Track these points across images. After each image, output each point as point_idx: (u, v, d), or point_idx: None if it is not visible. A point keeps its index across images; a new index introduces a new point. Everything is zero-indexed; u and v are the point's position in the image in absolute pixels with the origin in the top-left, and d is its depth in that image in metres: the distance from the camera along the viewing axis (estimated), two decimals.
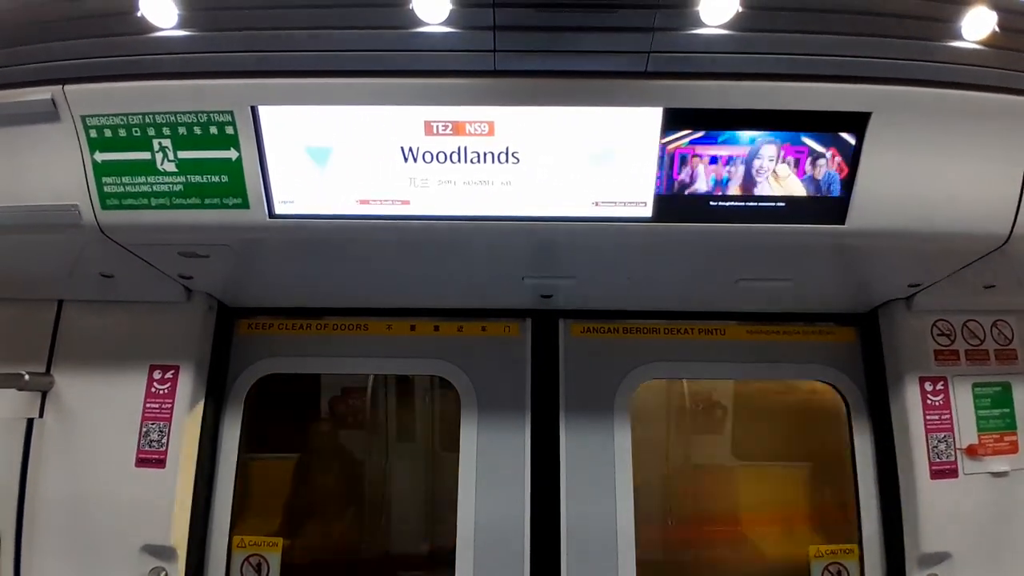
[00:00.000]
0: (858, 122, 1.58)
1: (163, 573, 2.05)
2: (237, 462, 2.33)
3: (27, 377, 2.08)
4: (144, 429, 2.13)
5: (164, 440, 2.13)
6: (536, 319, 2.43)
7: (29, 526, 2.05)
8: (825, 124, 1.59)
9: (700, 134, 1.60)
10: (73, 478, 2.09)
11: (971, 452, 2.12)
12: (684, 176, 1.64)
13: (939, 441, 2.13)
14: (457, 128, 1.59)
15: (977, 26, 1.46)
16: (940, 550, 2.07)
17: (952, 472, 2.11)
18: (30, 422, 2.13)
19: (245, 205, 1.66)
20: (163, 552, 2.06)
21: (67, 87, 1.59)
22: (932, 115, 1.57)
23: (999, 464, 2.13)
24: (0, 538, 2.05)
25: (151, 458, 2.11)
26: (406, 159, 1.62)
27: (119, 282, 2.09)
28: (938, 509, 2.09)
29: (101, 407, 2.15)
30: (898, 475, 2.18)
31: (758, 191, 1.65)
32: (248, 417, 2.39)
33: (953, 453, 2.13)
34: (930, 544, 2.08)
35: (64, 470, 2.10)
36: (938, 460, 2.12)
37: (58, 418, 2.14)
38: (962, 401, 2.17)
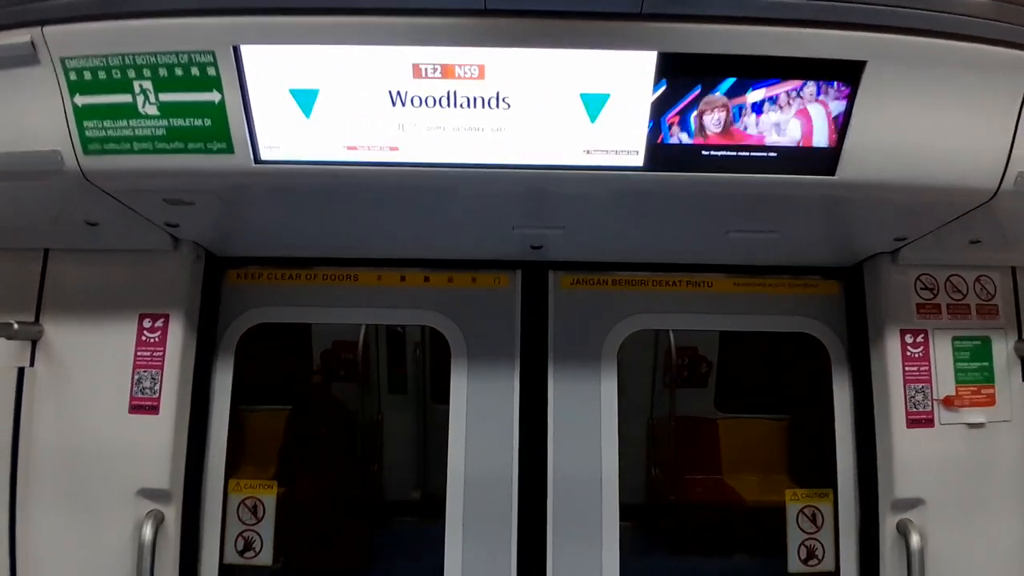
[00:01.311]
0: (853, 71, 1.55)
1: (160, 515, 2.09)
2: (232, 412, 2.36)
3: (16, 326, 2.07)
4: (136, 377, 2.15)
5: (156, 387, 2.14)
6: (526, 270, 2.44)
7: (24, 474, 2.08)
8: (820, 72, 1.57)
9: (694, 81, 1.57)
10: (66, 426, 2.11)
11: (948, 403, 2.18)
12: (676, 124, 1.62)
13: (916, 392, 2.19)
14: (446, 71, 1.55)
15: None
16: (913, 496, 2.15)
17: (928, 422, 2.18)
18: (21, 371, 2.14)
19: (229, 150, 1.63)
20: (159, 495, 2.10)
21: (46, 28, 1.53)
22: (927, 66, 1.55)
23: (975, 416, 2.19)
24: None
25: (144, 404, 2.13)
26: (394, 103, 1.58)
27: (105, 230, 2.07)
28: (913, 456, 2.16)
29: (92, 356, 2.16)
30: (875, 424, 2.24)
31: (750, 141, 1.64)
32: (241, 368, 2.41)
33: (930, 403, 2.18)
34: (904, 490, 2.15)
35: (57, 418, 2.11)
36: (915, 410, 2.18)
37: (49, 367, 2.15)
38: (941, 354, 2.22)
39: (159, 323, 2.18)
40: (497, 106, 1.59)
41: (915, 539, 2.08)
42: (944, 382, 2.20)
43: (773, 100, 1.60)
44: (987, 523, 2.15)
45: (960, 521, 2.14)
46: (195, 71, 1.55)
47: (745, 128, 1.63)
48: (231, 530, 2.34)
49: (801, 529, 2.37)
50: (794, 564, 2.36)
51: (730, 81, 1.57)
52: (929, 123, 1.61)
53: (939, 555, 2.11)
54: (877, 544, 2.20)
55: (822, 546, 2.36)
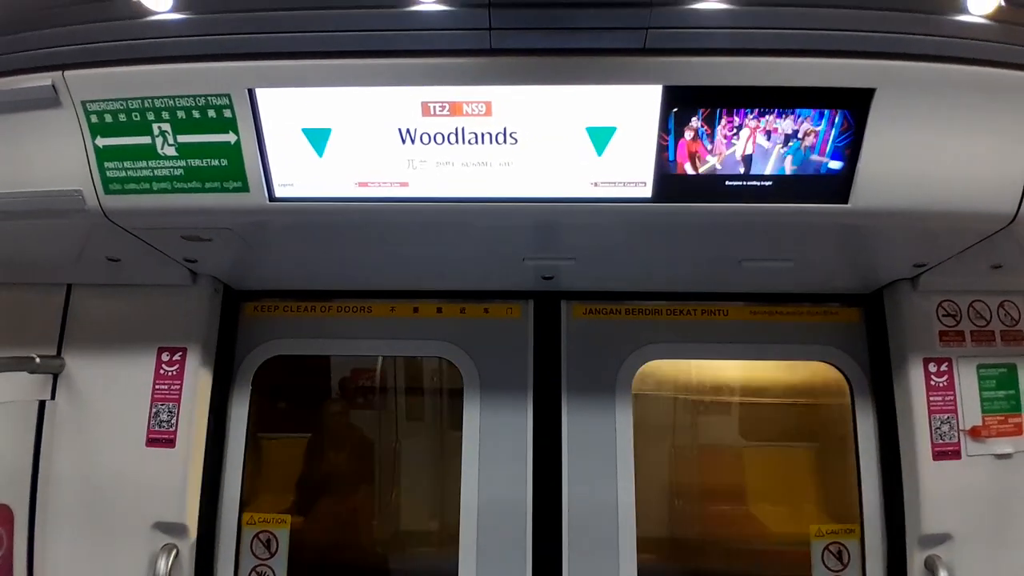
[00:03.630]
0: (862, 99, 1.55)
1: (174, 549, 2.09)
2: (250, 442, 2.38)
3: (38, 360, 2.13)
4: (154, 410, 2.18)
5: (173, 420, 2.17)
6: (538, 301, 2.43)
7: (42, 505, 2.11)
8: (828, 101, 1.56)
9: (700, 113, 1.58)
10: (85, 458, 2.14)
11: (975, 434, 2.11)
12: (684, 155, 1.63)
13: (942, 423, 2.12)
14: (454, 109, 1.58)
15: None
16: (941, 531, 2.07)
17: (955, 454, 2.10)
18: (42, 404, 2.18)
19: (245, 188, 1.67)
20: (174, 529, 2.11)
21: (67, 72, 1.59)
22: (937, 91, 1.53)
23: (1003, 446, 2.11)
24: (14, 517, 2.11)
25: (161, 438, 2.16)
26: (404, 141, 1.62)
27: (125, 266, 2.12)
28: (940, 490, 2.08)
29: (111, 389, 2.19)
30: (900, 456, 2.17)
31: (759, 170, 1.63)
32: (260, 398, 2.44)
33: (956, 435, 2.11)
34: (931, 525, 2.07)
35: (76, 450, 2.15)
36: (941, 441, 2.11)
37: (69, 400, 2.19)
38: (966, 382, 2.15)
39: (177, 356, 2.21)
40: (504, 141, 1.61)
41: None
42: (970, 412, 2.13)
43: (782, 130, 1.60)
44: (1017, 557, 2.06)
45: (989, 556, 2.06)
46: (212, 113, 1.60)
47: (754, 158, 1.63)
48: (244, 564, 2.33)
49: (827, 567, 2.29)
50: None
51: (737, 112, 1.58)
52: (942, 148, 1.59)
53: None
54: None
55: None
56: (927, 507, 2.07)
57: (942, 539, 2.07)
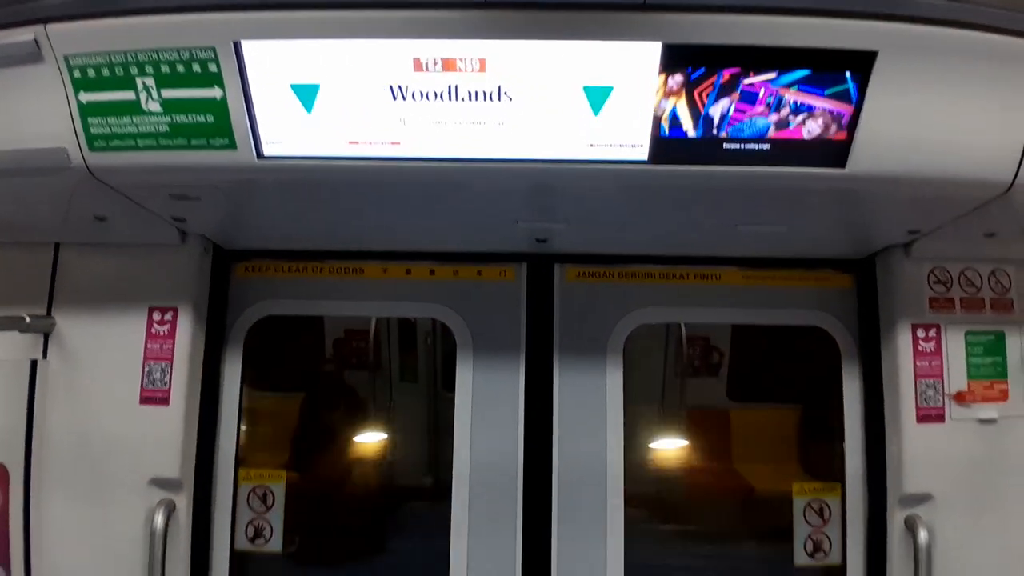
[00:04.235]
0: (864, 61, 1.51)
1: (172, 504, 2.13)
2: (246, 401, 2.40)
3: (28, 319, 2.11)
4: (147, 368, 2.18)
5: (167, 379, 2.18)
6: (531, 263, 2.43)
7: (37, 463, 2.13)
8: (830, 63, 1.52)
9: (699, 73, 1.54)
10: (79, 416, 2.15)
11: (960, 399, 2.15)
12: (682, 117, 1.59)
13: (927, 387, 2.15)
14: (447, 65, 1.53)
15: None
16: (922, 491, 2.13)
17: (939, 417, 2.14)
18: (34, 364, 2.18)
19: (232, 146, 1.63)
20: (171, 484, 2.14)
21: (49, 26, 1.54)
22: (940, 56, 1.50)
23: (987, 411, 2.15)
24: (9, 475, 2.13)
25: (155, 396, 2.17)
26: (395, 97, 1.57)
27: (113, 225, 2.09)
28: (922, 452, 2.13)
29: (103, 348, 2.19)
30: (884, 419, 2.21)
31: (757, 133, 1.61)
32: (254, 358, 2.44)
33: (941, 399, 2.15)
34: (912, 485, 2.13)
35: (70, 409, 2.16)
36: (925, 405, 2.15)
37: (61, 359, 2.18)
38: (954, 349, 2.18)
39: (168, 316, 2.20)
40: (499, 100, 1.57)
41: (923, 535, 2.06)
42: (956, 377, 2.16)
43: (781, 92, 1.56)
44: (997, 519, 2.12)
45: (970, 517, 2.11)
46: (196, 67, 1.55)
47: (752, 120, 1.59)
48: (242, 518, 2.38)
49: (808, 522, 2.36)
50: (800, 557, 2.35)
51: (736, 72, 1.54)
52: (942, 114, 1.57)
53: (947, 551, 2.09)
54: (885, 539, 2.18)
55: (829, 540, 2.34)
56: (909, 468, 2.12)
57: (923, 499, 2.13)
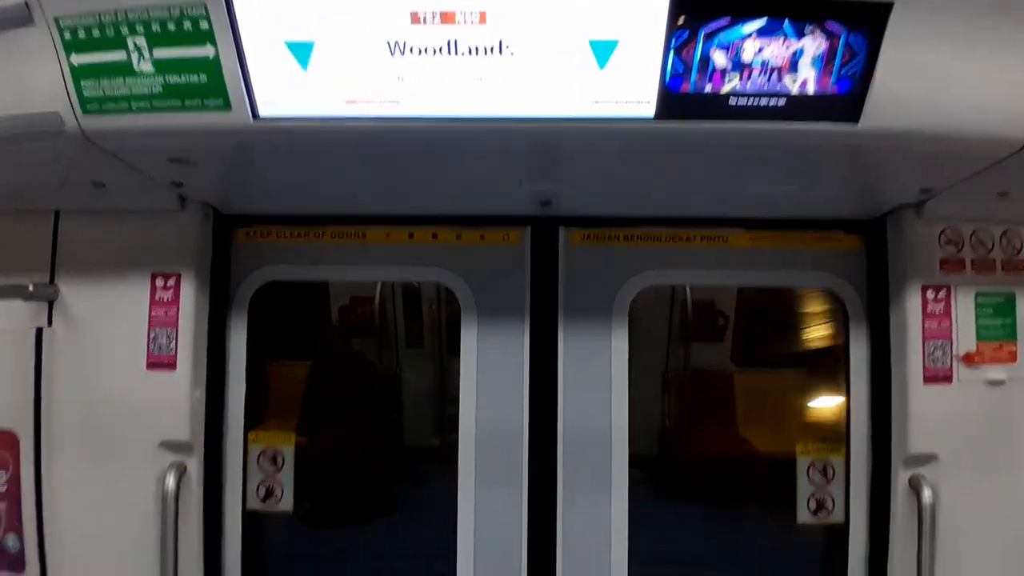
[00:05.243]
0: (879, 13, 1.45)
1: (183, 467, 2.15)
2: (250, 364, 2.40)
3: (31, 287, 2.11)
4: (152, 334, 2.19)
5: (172, 345, 2.18)
6: (535, 226, 2.39)
7: (47, 429, 2.15)
8: (844, 14, 1.46)
9: (708, 25, 1.48)
10: (86, 383, 2.17)
11: (968, 360, 2.13)
12: (690, 72, 1.54)
13: (936, 348, 2.13)
14: (446, 17, 1.47)
15: None
16: (927, 451, 2.13)
17: (946, 378, 2.13)
18: (39, 332, 2.18)
19: (227, 107, 1.59)
20: (181, 447, 2.17)
21: None
22: (955, 9, 1.45)
23: (996, 372, 2.13)
24: (19, 442, 2.16)
25: (162, 362, 2.18)
26: (392, 53, 1.52)
27: (112, 191, 2.07)
28: (928, 412, 2.12)
29: (108, 315, 2.19)
30: (891, 379, 2.20)
31: (767, 88, 1.55)
32: (260, 323, 2.44)
33: (949, 360, 2.13)
34: (917, 445, 2.13)
35: (77, 375, 2.17)
36: (933, 366, 2.13)
37: (66, 326, 2.19)
38: (963, 310, 2.15)
39: (171, 282, 2.20)
40: (500, 54, 1.52)
41: (927, 494, 2.06)
42: (965, 339, 2.14)
43: (793, 44, 1.50)
44: (1003, 481, 2.12)
45: (975, 478, 2.12)
46: (187, 25, 1.50)
47: (762, 74, 1.54)
48: (252, 479, 2.41)
49: (811, 482, 2.38)
50: (803, 515, 2.37)
51: (747, 24, 1.48)
52: (958, 70, 1.52)
53: (951, 511, 2.10)
54: (888, 498, 2.19)
55: (832, 499, 2.36)
56: (915, 428, 2.12)
57: (928, 459, 2.13)
